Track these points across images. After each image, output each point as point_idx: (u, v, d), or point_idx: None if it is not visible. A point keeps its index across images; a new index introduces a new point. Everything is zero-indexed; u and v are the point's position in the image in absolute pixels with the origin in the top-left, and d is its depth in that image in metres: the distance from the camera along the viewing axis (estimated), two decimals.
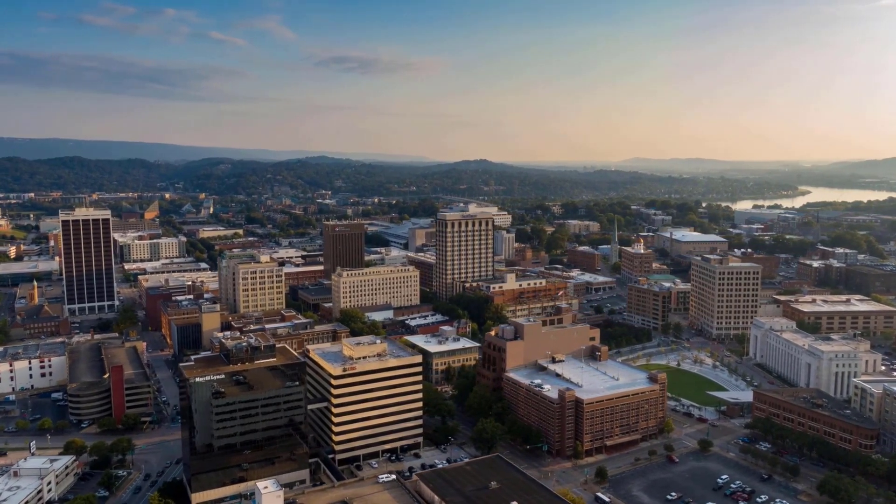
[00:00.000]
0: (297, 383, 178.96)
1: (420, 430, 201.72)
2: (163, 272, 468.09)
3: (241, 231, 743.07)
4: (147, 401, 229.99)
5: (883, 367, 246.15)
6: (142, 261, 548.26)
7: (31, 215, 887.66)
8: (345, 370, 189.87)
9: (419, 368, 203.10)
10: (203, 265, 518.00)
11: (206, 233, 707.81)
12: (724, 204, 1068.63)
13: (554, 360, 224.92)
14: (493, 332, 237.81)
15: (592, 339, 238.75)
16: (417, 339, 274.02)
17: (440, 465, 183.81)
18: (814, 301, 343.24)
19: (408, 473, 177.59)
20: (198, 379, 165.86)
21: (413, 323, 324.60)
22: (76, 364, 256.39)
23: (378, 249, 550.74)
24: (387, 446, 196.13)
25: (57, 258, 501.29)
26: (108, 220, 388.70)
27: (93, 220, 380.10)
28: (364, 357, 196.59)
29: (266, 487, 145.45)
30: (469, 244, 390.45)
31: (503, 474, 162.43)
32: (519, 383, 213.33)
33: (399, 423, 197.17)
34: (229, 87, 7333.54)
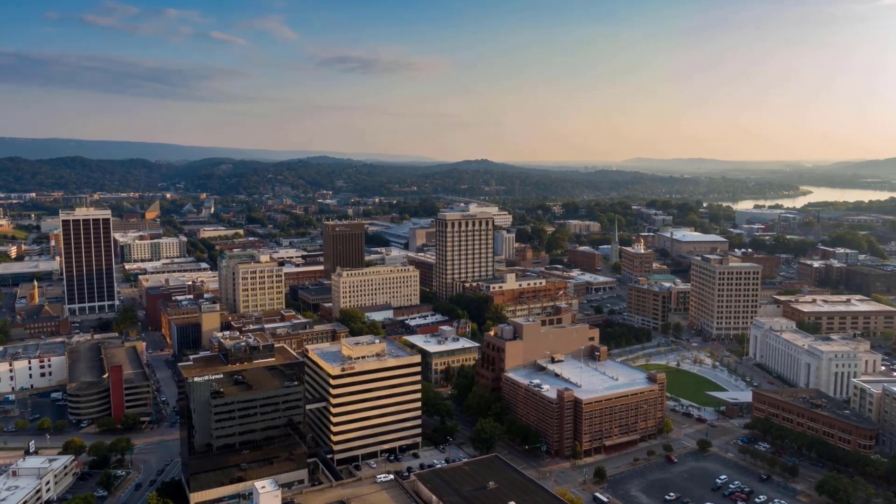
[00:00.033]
0: (296, 383, 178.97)
1: (419, 430, 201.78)
2: (163, 272, 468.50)
3: (241, 231, 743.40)
4: (146, 401, 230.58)
5: (883, 368, 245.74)
6: (142, 261, 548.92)
7: (33, 215, 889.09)
8: (343, 370, 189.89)
9: (418, 368, 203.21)
10: (203, 265, 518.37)
11: (207, 233, 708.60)
12: (725, 204, 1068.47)
13: (553, 360, 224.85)
14: (492, 332, 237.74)
15: (592, 339, 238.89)
16: (417, 339, 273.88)
17: (438, 465, 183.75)
18: (814, 301, 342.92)
19: (406, 473, 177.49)
20: (196, 379, 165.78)
21: (413, 323, 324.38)
22: (76, 364, 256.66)
23: (378, 249, 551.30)
24: (385, 446, 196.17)
25: (57, 258, 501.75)
26: (108, 219, 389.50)
27: (93, 219, 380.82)
28: (363, 357, 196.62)
29: (263, 487, 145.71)
30: (469, 244, 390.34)
31: (501, 474, 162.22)
32: (518, 383, 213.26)
33: (398, 423, 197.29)
34: (231, 87, 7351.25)
